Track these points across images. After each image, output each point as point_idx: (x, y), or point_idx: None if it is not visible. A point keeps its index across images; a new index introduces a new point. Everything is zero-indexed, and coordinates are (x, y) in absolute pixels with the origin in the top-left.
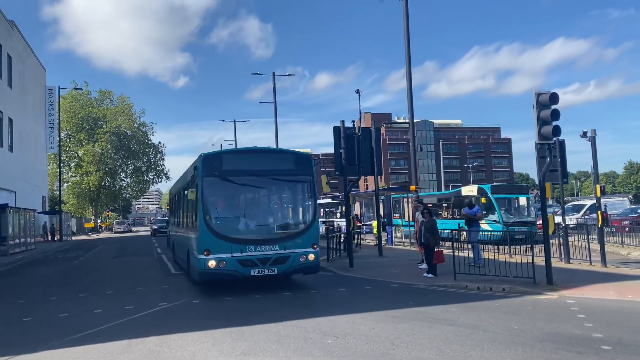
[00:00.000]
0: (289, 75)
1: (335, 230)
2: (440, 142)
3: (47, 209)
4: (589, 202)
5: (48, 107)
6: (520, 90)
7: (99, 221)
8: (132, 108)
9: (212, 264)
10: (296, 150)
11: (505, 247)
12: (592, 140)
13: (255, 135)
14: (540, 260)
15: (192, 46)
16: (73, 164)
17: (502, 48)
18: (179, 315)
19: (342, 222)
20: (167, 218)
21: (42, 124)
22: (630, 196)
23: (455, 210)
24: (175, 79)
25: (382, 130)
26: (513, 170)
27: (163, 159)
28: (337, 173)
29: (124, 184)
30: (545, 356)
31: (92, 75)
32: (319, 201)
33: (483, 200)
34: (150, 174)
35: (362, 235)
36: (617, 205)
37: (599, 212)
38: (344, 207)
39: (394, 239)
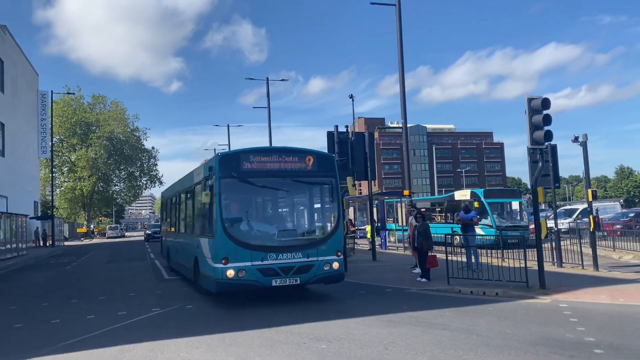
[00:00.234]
0: (282, 80)
1: None
2: (434, 147)
3: (39, 215)
4: (580, 207)
5: (40, 111)
6: (513, 95)
7: (91, 226)
8: (125, 113)
9: (230, 273)
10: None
11: (498, 251)
12: (584, 145)
13: (249, 140)
14: (533, 265)
15: (186, 51)
16: (66, 169)
17: (495, 53)
18: (172, 320)
19: None
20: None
21: (35, 128)
22: (621, 200)
23: (448, 214)
24: (168, 84)
25: (376, 135)
26: (506, 174)
27: (156, 164)
28: None
29: (117, 189)
30: None
31: (85, 80)
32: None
33: (476, 204)
34: (144, 178)
35: (356, 240)
36: (609, 209)
37: (591, 217)
38: None
39: (387, 244)
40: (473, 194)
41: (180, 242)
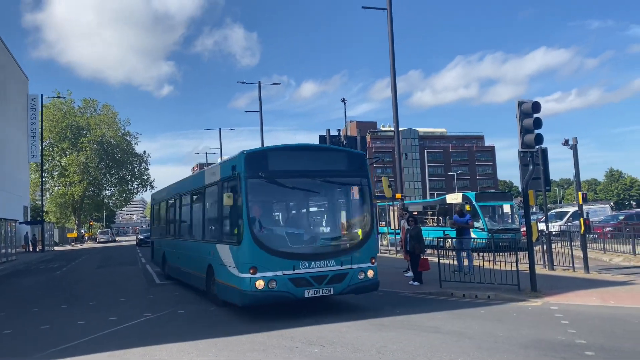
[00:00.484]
0: (274, 84)
1: None
2: (425, 150)
3: (29, 219)
4: (571, 209)
5: (30, 115)
6: (504, 98)
7: (82, 231)
8: (117, 117)
9: (260, 284)
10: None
11: (490, 254)
12: (574, 148)
13: (241, 144)
14: (524, 267)
15: (177, 55)
16: (56, 173)
17: (485, 57)
18: (163, 326)
19: None
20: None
21: (24, 133)
22: (611, 203)
23: (440, 217)
24: (159, 88)
25: (368, 138)
26: (497, 177)
27: (147, 169)
28: None
29: (108, 194)
30: None
31: (75, 84)
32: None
33: (468, 207)
34: (135, 183)
35: None
36: (599, 212)
37: (582, 219)
38: None
39: (379, 247)
40: (465, 197)
41: (184, 248)
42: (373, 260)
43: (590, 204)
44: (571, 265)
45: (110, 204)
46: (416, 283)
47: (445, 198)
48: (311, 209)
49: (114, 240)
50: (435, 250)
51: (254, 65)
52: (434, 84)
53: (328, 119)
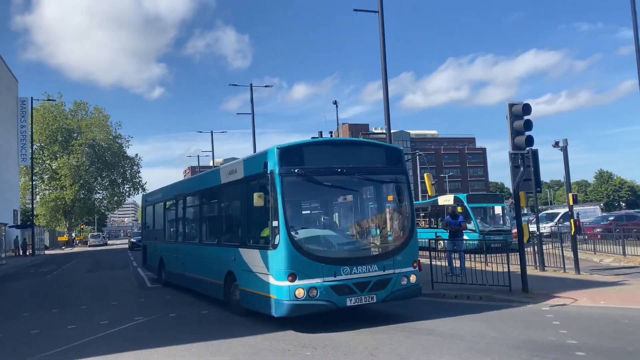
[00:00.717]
0: (266, 86)
1: None
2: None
3: (19, 223)
4: (562, 211)
5: (20, 118)
6: (494, 100)
7: (73, 234)
8: (108, 120)
9: (300, 293)
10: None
11: (482, 255)
12: (564, 150)
13: (233, 147)
14: (515, 269)
15: (168, 57)
16: (46, 176)
17: (476, 60)
18: (155, 329)
19: None
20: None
21: (14, 136)
22: (601, 204)
23: (432, 219)
24: (150, 90)
25: None
26: (488, 179)
27: (139, 171)
28: None
29: (100, 197)
30: None
31: (66, 86)
32: None
33: (459, 209)
34: (126, 186)
35: None
36: (589, 213)
37: (572, 220)
38: None
39: None
40: (456, 199)
41: (192, 252)
42: (415, 264)
43: (580, 205)
44: (562, 266)
45: (102, 208)
46: None
47: (437, 200)
48: (350, 209)
49: (105, 244)
50: (427, 252)
51: (245, 67)
52: (425, 86)
53: (320, 121)
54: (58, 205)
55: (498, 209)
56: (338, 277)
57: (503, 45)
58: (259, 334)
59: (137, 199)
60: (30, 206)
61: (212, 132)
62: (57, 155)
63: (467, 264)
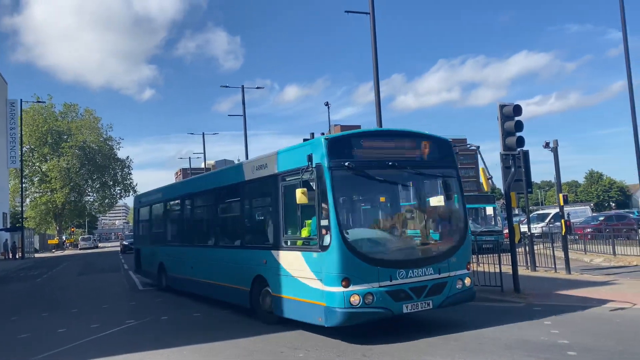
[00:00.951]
0: (258, 87)
1: None
2: None
3: (9, 226)
4: (553, 211)
5: (9, 120)
6: (485, 101)
7: (63, 237)
8: (99, 122)
9: (355, 299)
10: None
11: (473, 256)
12: (555, 151)
13: (225, 149)
14: (507, 269)
15: (158, 58)
16: (36, 179)
17: (467, 61)
18: (147, 332)
19: None
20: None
21: (3, 138)
22: (591, 204)
23: None
24: (141, 92)
25: None
26: (479, 180)
27: (130, 173)
28: None
29: (90, 199)
30: None
31: (55, 88)
32: None
33: None
34: (117, 188)
35: None
36: (580, 213)
37: (563, 221)
38: None
39: None
40: None
41: (207, 256)
42: (468, 267)
43: (571, 206)
44: (553, 266)
45: (93, 210)
46: None
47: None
48: (402, 206)
49: (96, 247)
50: None
51: (237, 68)
52: (416, 87)
53: (312, 122)
54: (48, 208)
55: (489, 210)
56: (394, 282)
57: (494, 47)
58: (251, 336)
59: (128, 201)
60: (20, 209)
61: (203, 133)
62: (47, 158)
63: None
